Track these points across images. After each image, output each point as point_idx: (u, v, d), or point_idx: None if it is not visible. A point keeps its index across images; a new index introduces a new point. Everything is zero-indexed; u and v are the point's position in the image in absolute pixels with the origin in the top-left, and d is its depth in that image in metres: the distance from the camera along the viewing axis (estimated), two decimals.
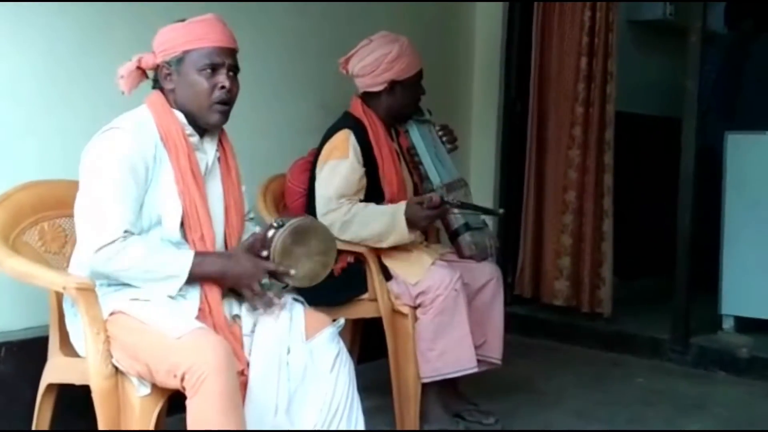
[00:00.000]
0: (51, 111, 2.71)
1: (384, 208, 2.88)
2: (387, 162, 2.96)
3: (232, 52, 2.21)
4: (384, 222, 2.83)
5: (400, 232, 2.82)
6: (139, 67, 2.22)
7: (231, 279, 2.14)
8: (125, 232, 2.03)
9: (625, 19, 4.91)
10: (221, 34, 2.19)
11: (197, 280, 2.11)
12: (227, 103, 2.20)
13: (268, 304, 2.16)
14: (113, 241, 2.01)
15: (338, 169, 2.88)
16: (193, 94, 2.17)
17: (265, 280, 2.14)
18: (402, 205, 2.84)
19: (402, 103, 3.01)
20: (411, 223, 2.82)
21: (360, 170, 2.90)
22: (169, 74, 2.19)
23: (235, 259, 2.16)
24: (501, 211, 3.34)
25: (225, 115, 2.22)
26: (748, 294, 3.95)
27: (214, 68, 2.16)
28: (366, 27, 3.21)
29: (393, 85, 2.96)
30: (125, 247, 2.02)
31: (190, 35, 2.16)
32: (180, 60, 2.17)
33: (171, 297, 2.09)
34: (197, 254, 2.10)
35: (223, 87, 2.17)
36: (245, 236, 2.30)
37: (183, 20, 2.22)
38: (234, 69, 2.21)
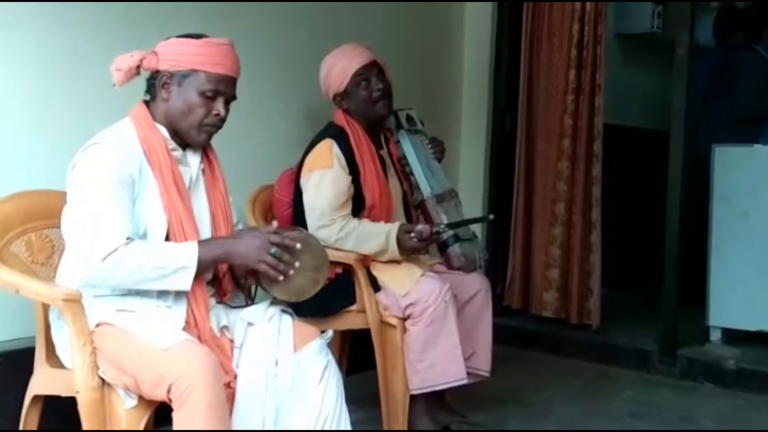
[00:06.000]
0: (33, 120, 2.68)
1: (377, 228, 2.89)
2: (369, 169, 2.97)
3: (235, 82, 2.22)
4: (377, 243, 2.86)
5: (392, 253, 2.86)
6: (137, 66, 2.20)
7: (238, 256, 2.13)
8: (127, 238, 2.03)
9: (613, 32, 4.94)
10: (232, 63, 2.20)
11: (205, 268, 2.12)
12: (216, 127, 2.22)
13: (287, 270, 2.13)
14: (117, 248, 2.01)
15: (325, 180, 2.88)
16: (187, 113, 2.17)
17: (274, 250, 2.11)
18: (395, 228, 2.87)
19: (359, 103, 3.00)
20: (400, 246, 2.85)
21: (347, 178, 2.91)
22: (167, 84, 2.17)
23: (237, 237, 2.17)
24: (491, 216, 3.42)
25: (210, 136, 2.25)
26: (736, 306, 3.96)
27: (216, 95, 2.17)
28: (353, 34, 3.22)
29: (342, 96, 3.00)
30: (131, 251, 2.02)
31: (204, 56, 2.16)
32: (185, 76, 2.16)
33: (162, 306, 2.10)
34: (200, 242, 2.11)
35: (217, 114, 2.19)
36: None
37: (201, 36, 2.20)
38: (232, 98, 2.23)
